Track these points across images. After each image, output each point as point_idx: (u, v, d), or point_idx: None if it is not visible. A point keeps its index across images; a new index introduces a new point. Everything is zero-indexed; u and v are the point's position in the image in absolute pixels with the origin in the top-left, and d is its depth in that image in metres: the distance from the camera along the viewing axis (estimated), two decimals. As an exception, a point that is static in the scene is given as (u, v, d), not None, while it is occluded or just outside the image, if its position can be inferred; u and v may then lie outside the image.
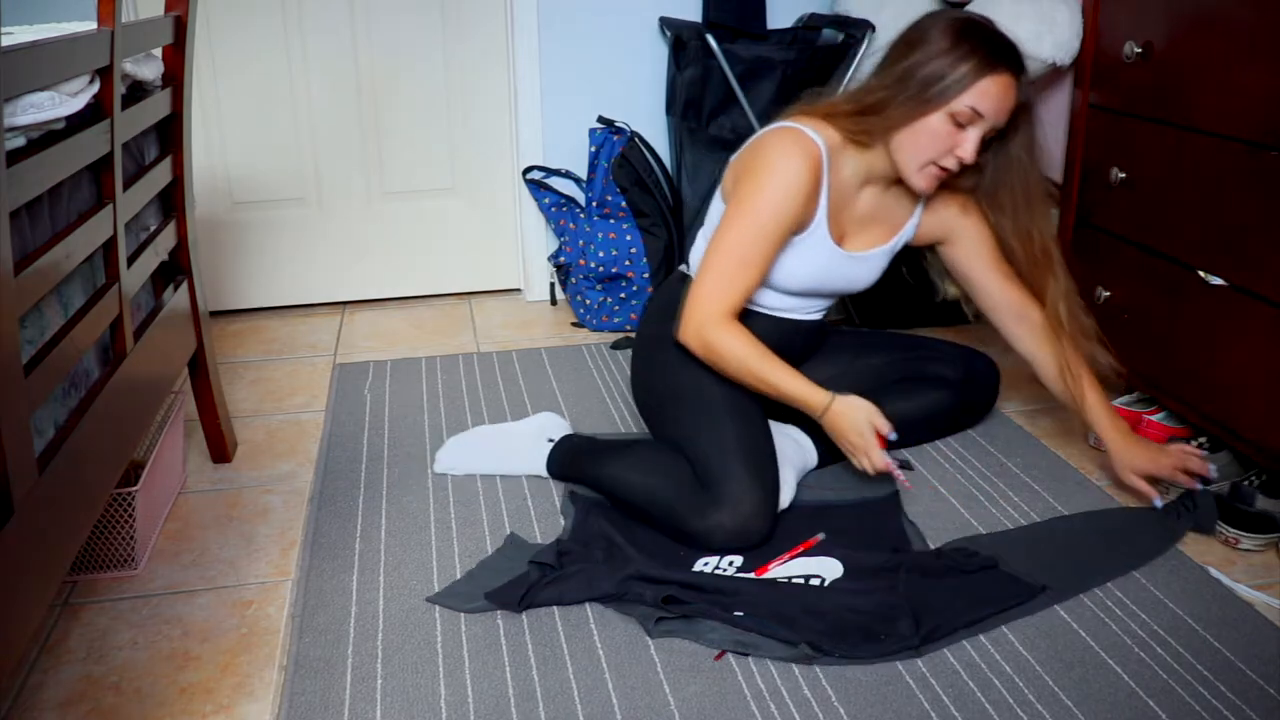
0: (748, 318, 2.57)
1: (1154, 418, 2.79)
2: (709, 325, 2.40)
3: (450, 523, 2.48)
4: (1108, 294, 2.91)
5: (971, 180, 2.54)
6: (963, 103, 2.31)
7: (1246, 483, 2.47)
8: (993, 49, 2.32)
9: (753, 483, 2.36)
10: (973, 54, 2.31)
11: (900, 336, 2.92)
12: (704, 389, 2.51)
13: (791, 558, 2.31)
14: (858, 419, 2.38)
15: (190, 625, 2.14)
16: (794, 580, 2.25)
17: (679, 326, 2.47)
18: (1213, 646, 2.04)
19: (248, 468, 2.80)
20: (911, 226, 2.65)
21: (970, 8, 3.13)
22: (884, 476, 2.52)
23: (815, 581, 2.24)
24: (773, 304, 2.60)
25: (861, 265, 2.62)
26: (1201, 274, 2.55)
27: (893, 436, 2.39)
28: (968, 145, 2.35)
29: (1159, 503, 2.50)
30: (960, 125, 2.34)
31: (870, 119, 2.41)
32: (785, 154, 2.40)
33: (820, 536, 2.39)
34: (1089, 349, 2.59)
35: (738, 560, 2.31)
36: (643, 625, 2.09)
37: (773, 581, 2.23)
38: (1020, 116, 2.42)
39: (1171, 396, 2.71)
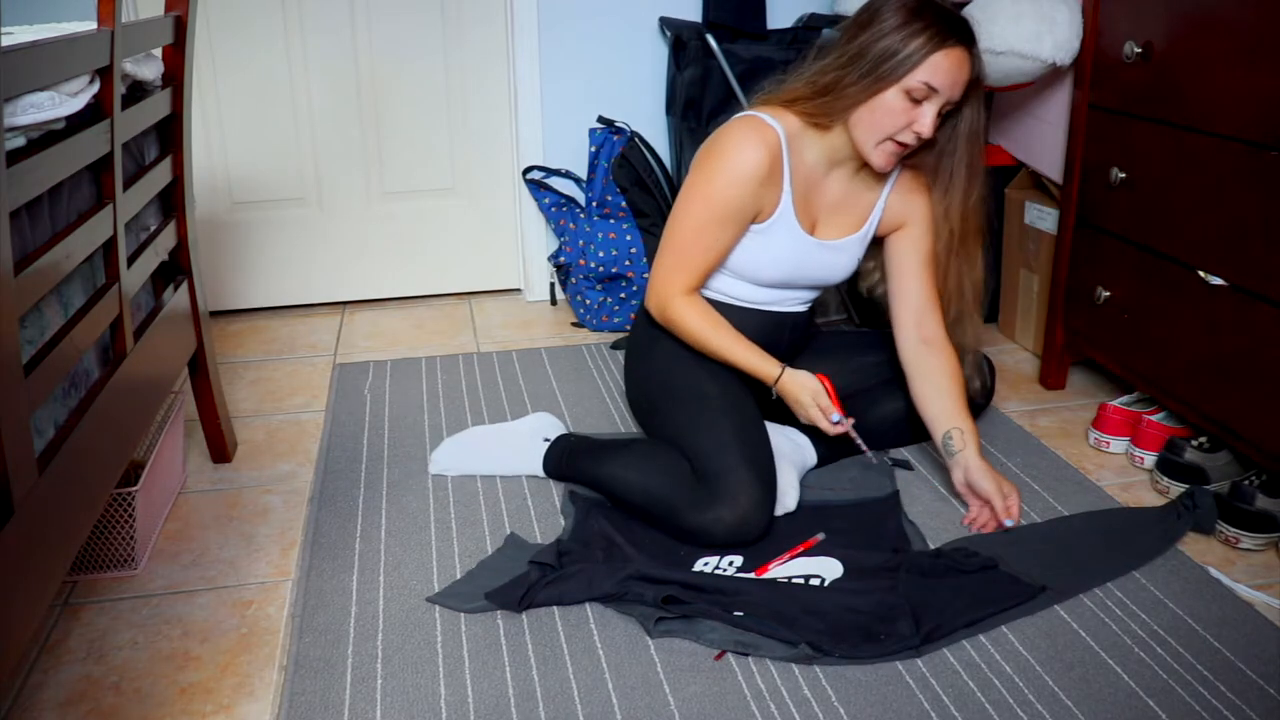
0: (731, 312, 2.60)
1: (1154, 418, 2.79)
2: (667, 301, 2.54)
3: (450, 523, 2.48)
4: (1108, 294, 2.91)
5: (929, 156, 2.55)
6: (916, 78, 2.32)
7: (1246, 482, 2.47)
8: (945, 23, 2.34)
9: (751, 477, 2.36)
10: (925, 29, 2.32)
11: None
12: (700, 386, 2.53)
13: (791, 558, 2.31)
14: (802, 396, 2.49)
15: (190, 625, 2.14)
16: (794, 580, 2.24)
17: (645, 298, 2.59)
18: (1212, 646, 2.04)
19: (248, 468, 2.80)
20: (879, 210, 2.66)
21: (970, 9, 3.13)
22: (882, 475, 2.52)
23: (815, 581, 2.24)
24: (753, 297, 2.62)
25: (835, 253, 2.64)
26: (1201, 274, 2.55)
27: (835, 418, 2.47)
28: (924, 120, 2.36)
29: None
30: (916, 101, 2.35)
31: (826, 100, 2.43)
32: (739, 141, 2.45)
33: (820, 536, 2.39)
34: (970, 342, 2.69)
35: (738, 560, 2.31)
36: (642, 625, 2.09)
37: (773, 581, 2.22)
38: (971, 91, 2.43)
39: (1171, 396, 2.71)
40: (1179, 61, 2.60)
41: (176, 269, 2.62)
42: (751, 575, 2.26)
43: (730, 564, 2.30)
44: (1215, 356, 2.53)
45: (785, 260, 2.57)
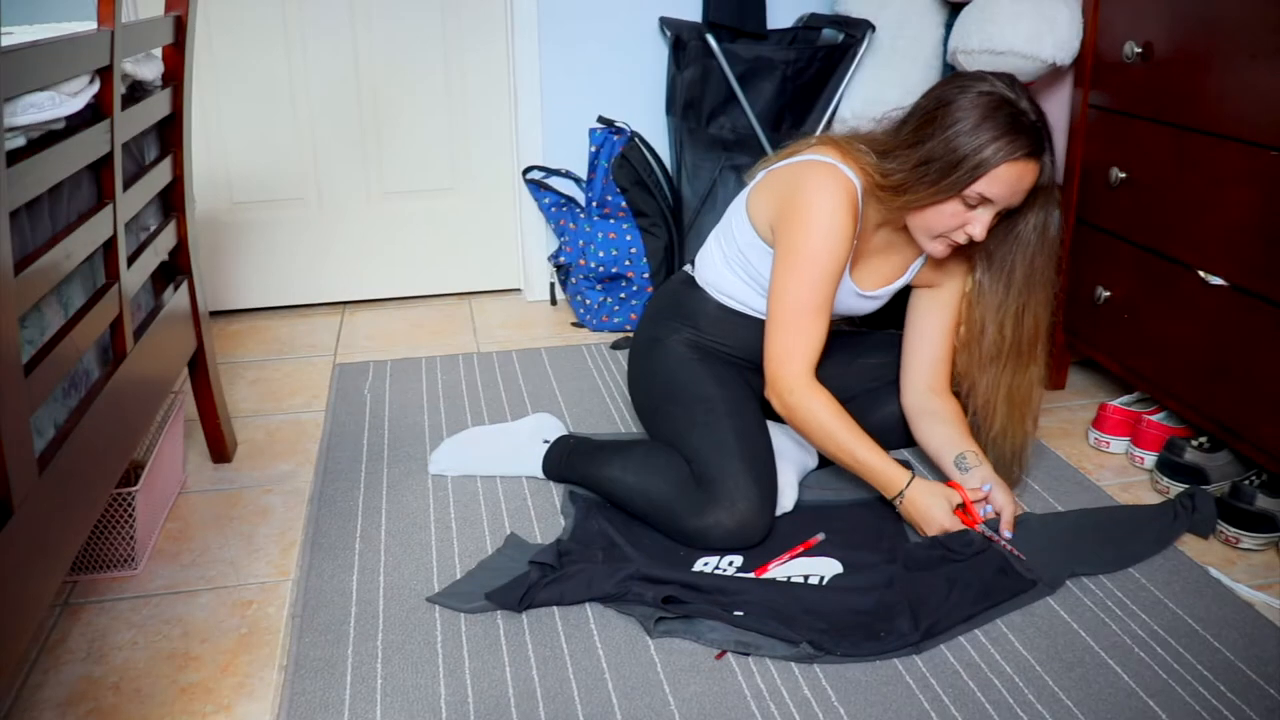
0: (740, 320, 2.59)
1: (1154, 418, 2.79)
2: (796, 389, 2.39)
3: (450, 523, 2.48)
4: (1107, 294, 2.91)
5: (987, 244, 2.49)
6: (974, 190, 2.28)
7: (1246, 482, 2.47)
8: (1016, 132, 2.27)
9: (750, 481, 2.36)
10: (994, 140, 2.25)
11: (899, 336, 2.92)
12: (701, 388, 2.53)
13: (791, 558, 2.31)
14: (933, 511, 2.37)
15: (190, 625, 2.15)
16: (793, 580, 2.25)
17: (764, 385, 2.46)
18: (1212, 646, 2.04)
19: (248, 468, 2.80)
20: (918, 265, 2.63)
21: (970, 8, 3.13)
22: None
23: (814, 580, 2.25)
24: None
25: (870, 302, 2.64)
26: (1201, 274, 2.55)
27: (987, 510, 2.42)
28: (975, 226, 2.32)
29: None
30: (971, 206, 2.31)
31: (891, 195, 2.37)
32: (832, 194, 2.36)
33: (820, 537, 2.39)
34: (1019, 442, 2.58)
35: (737, 560, 2.32)
36: (643, 625, 2.09)
37: (772, 581, 2.23)
38: (1037, 196, 2.38)
39: (1171, 396, 2.71)
40: (1179, 61, 2.60)
41: (176, 269, 2.62)
42: (751, 575, 2.26)
43: (730, 564, 2.30)
44: (1215, 356, 2.53)
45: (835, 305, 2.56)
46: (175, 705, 1.92)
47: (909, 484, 2.37)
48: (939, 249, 2.39)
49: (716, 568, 2.29)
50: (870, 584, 2.21)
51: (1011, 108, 2.27)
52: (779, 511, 2.49)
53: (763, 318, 2.57)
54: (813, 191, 2.37)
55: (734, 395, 2.52)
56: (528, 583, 2.17)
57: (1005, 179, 2.27)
